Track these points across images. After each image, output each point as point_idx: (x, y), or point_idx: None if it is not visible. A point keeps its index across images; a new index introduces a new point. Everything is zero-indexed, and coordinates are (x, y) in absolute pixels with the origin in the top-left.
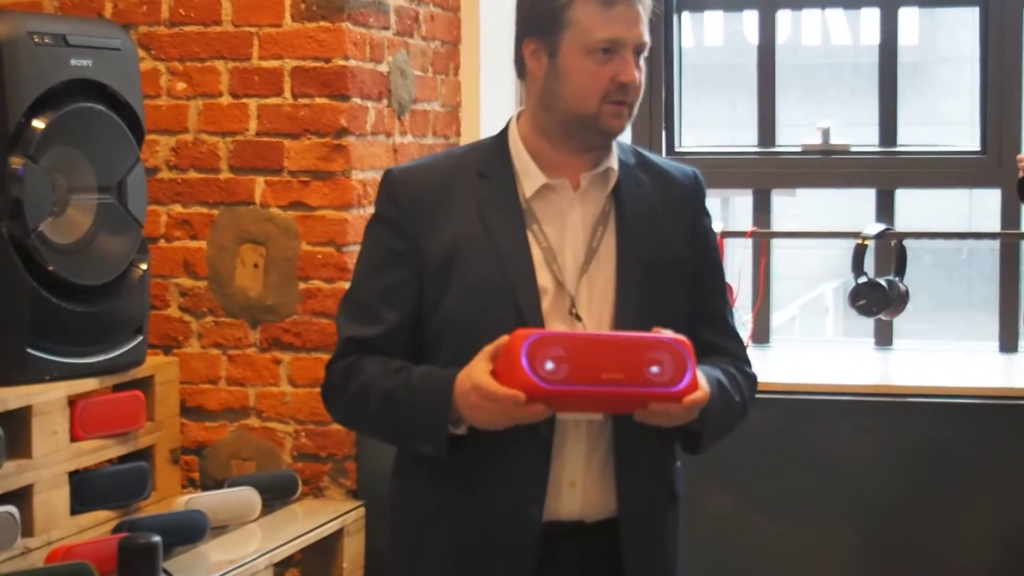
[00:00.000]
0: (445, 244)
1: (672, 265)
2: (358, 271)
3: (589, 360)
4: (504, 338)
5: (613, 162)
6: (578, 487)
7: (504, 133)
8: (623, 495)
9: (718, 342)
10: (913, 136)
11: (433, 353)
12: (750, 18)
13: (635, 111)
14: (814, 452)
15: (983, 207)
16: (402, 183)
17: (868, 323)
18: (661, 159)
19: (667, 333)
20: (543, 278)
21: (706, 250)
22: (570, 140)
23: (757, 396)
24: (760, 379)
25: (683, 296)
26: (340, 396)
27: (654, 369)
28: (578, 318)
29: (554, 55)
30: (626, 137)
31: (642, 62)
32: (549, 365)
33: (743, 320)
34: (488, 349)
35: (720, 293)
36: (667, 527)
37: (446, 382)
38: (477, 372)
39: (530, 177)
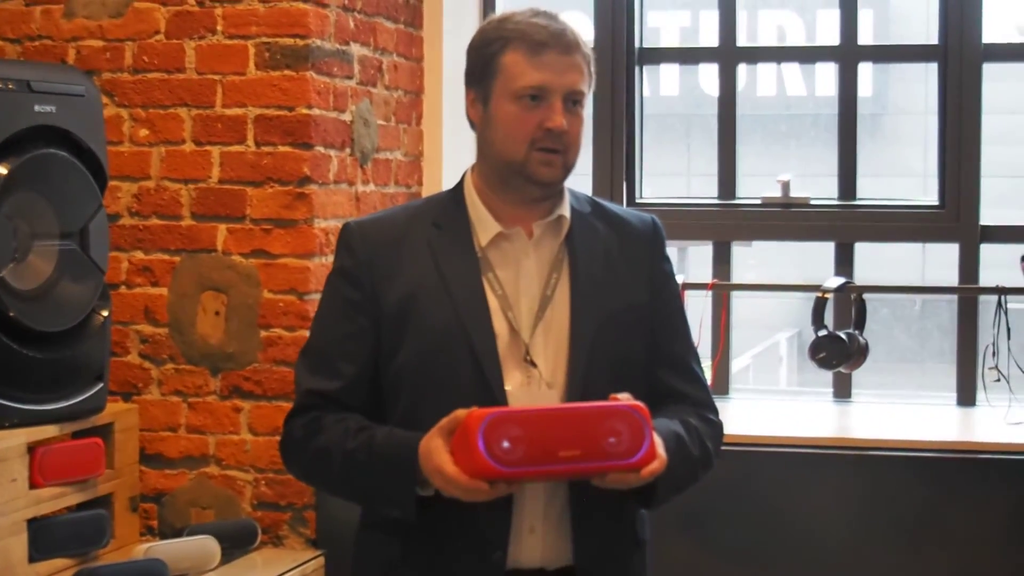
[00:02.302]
0: (401, 294)
1: (629, 311)
2: (316, 323)
3: (546, 438)
4: (458, 414)
5: (565, 210)
6: (537, 533)
7: (460, 185)
8: (580, 542)
9: (681, 387)
10: (869, 187)
11: (392, 402)
12: (705, 69)
13: (571, 162)
14: (774, 504)
15: (936, 259)
16: (359, 235)
17: (823, 374)
18: (618, 207)
19: (623, 399)
20: (499, 325)
21: (666, 295)
22: (508, 190)
23: (721, 448)
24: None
25: (641, 342)
26: (300, 454)
27: (611, 440)
28: (533, 364)
29: (487, 102)
30: (587, 188)
31: (583, 112)
32: (506, 444)
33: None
34: (443, 424)
35: (682, 338)
36: (630, 574)
37: (410, 449)
38: (436, 454)
39: (485, 226)
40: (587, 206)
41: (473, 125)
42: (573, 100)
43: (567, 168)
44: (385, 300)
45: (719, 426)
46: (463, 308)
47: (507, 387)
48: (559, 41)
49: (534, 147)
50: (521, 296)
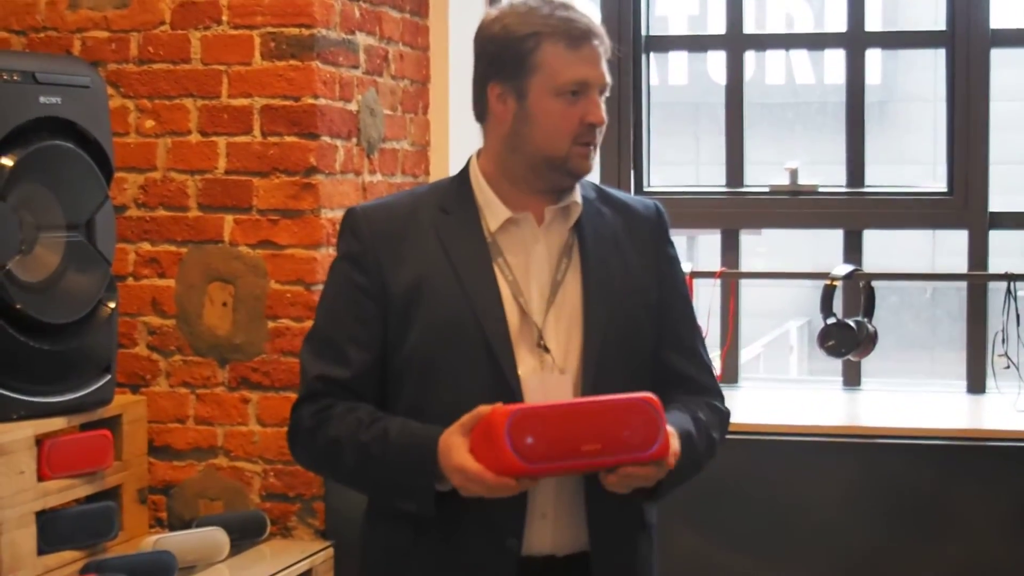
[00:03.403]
0: (410, 279)
1: (638, 295)
2: (322, 308)
3: (568, 432)
4: (481, 410)
5: (576, 196)
6: (549, 519)
7: (465, 171)
8: (594, 526)
9: (688, 371)
10: (877, 174)
11: (397, 389)
12: (714, 57)
13: (596, 152)
14: (783, 492)
15: (946, 246)
16: (365, 220)
17: (834, 362)
18: (622, 193)
19: (636, 392)
20: (510, 310)
21: (673, 280)
22: (537, 182)
23: (727, 436)
24: (730, 419)
25: (650, 326)
26: (309, 444)
27: (626, 433)
28: (546, 349)
29: (523, 98)
30: (593, 176)
31: (603, 102)
32: (530, 440)
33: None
34: (464, 421)
35: (689, 322)
36: (639, 557)
37: (429, 444)
38: (456, 452)
39: (494, 212)
40: (592, 192)
41: (481, 117)
42: (602, 92)
43: (594, 158)
44: (392, 286)
45: (726, 414)
46: (474, 294)
47: (520, 372)
48: (594, 34)
49: (576, 141)
50: (532, 281)
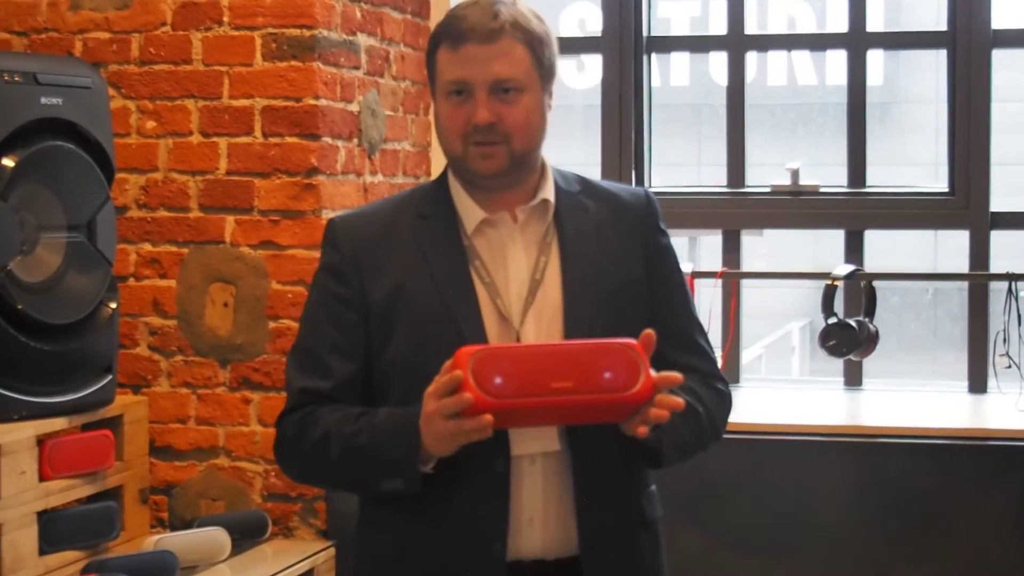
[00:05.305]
0: (389, 287)
1: (624, 287)
2: (305, 321)
3: (537, 371)
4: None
5: (549, 193)
6: (536, 524)
7: (444, 175)
8: (584, 529)
9: (687, 361)
10: (879, 176)
11: (383, 396)
12: (716, 58)
13: (517, 150)
14: (785, 492)
15: (948, 246)
16: (343, 230)
17: (836, 362)
18: (610, 183)
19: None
20: (487, 314)
21: (665, 269)
22: (466, 183)
23: (728, 436)
24: (731, 419)
25: (639, 318)
26: (296, 449)
27: (606, 375)
28: None
29: (434, 102)
30: (596, 176)
31: (525, 98)
32: (497, 380)
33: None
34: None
35: (683, 311)
36: (640, 554)
37: (413, 414)
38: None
39: (469, 214)
40: (575, 185)
41: None
42: (504, 89)
43: (514, 156)
44: (373, 294)
45: (727, 396)
46: (451, 299)
47: None
48: (477, 33)
49: (468, 142)
50: (510, 282)
